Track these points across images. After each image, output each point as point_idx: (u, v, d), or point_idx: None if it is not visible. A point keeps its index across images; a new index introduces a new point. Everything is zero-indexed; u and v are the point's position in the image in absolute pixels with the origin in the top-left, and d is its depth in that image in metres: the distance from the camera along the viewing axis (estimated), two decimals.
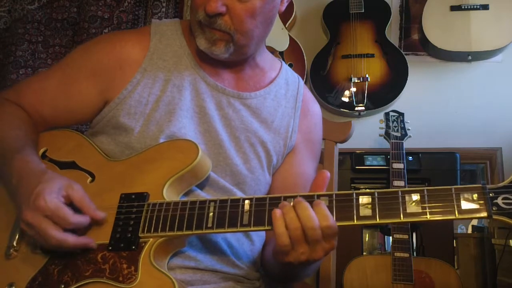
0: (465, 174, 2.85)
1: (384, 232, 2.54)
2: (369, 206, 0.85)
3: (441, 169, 2.36)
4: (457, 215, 0.81)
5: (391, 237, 2.06)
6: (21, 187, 0.96)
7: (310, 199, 0.89)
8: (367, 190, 0.87)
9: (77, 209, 0.95)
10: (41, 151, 1.13)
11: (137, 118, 1.10)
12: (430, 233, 2.26)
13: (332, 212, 0.87)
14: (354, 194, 0.87)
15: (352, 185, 2.40)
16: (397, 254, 1.99)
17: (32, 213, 0.91)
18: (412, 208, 0.84)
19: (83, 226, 0.95)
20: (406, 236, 2.01)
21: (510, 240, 2.21)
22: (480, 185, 0.83)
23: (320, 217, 0.85)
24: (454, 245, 2.34)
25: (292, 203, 0.87)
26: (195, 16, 1.07)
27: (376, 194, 0.86)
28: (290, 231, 0.86)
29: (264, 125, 1.18)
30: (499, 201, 0.80)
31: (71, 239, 0.92)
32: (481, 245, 2.49)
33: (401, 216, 0.84)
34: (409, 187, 0.84)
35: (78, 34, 2.93)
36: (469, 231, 2.71)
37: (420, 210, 0.83)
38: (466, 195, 0.82)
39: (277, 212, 0.87)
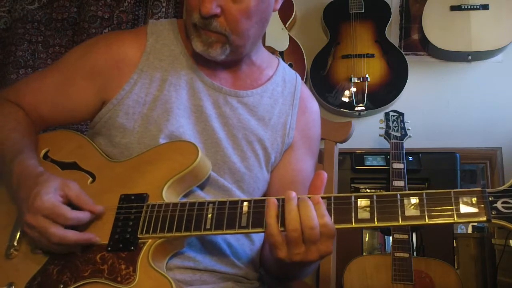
0: (465, 174, 2.84)
1: (384, 232, 2.54)
2: (368, 209, 0.85)
3: (441, 169, 2.35)
4: (456, 218, 0.81)
5: (391, 237, 2.06)
6: (20, 191, 0.97)
7: None
8: (367, 192, 0.87)
9: (77, 207, 0.95)
10: (43, 151, 1.14)
11: (136, 118, 1.10)
12: (430, 233, 2.26)
13: (330, 215, 0.87)
14: (353, 197, 0.87)
15: (352, 185, 2.39)
16: (397, 254, 1.99)
17: (31, 215, 0.92)
18: (410, 211, 0.84)
19: (83, 221, 0.95)
20: (406, 236, 2.01)
21: (510, 240, 2.21)
22: (479, 189, 0.82)
23: (318, 214, 0.85)
24: (454, 245, 2.33)
25: (296, 202, 0.87)
26: (190, 18, 1.07)
27: (374, 197, 0.86)
28: (288, 232, 0.86)
29: (261, 123, 1.18)
30: (499, 205, 0.80)
31: (72, 234, 0.92)
32: (481, 245, 2.49)
33: (400, 219, 0.84)
34: (409, 188, 0.84)
35: (78, 34, 2.93)
36: (469, 231, 2.71)
37: (419, 214, 0.83)
38: (465, 199, 0.82)
39: (272, 210, 0.87)
